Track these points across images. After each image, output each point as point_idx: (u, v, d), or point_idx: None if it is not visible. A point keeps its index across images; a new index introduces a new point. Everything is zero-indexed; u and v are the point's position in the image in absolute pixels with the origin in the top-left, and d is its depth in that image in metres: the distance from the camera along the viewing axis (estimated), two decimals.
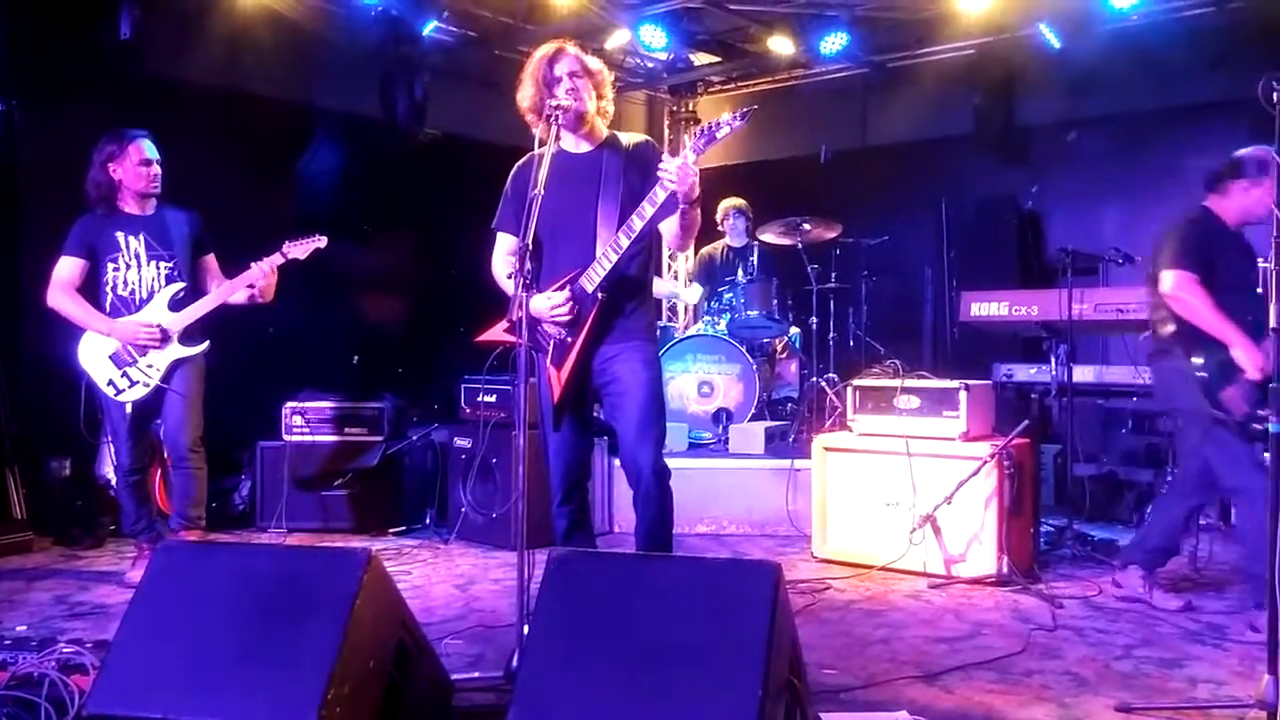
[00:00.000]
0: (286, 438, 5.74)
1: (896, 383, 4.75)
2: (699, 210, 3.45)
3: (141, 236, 4.41)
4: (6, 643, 3.25)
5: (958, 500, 4.38)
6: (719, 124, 3.29)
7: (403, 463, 5.72)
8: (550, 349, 3.48)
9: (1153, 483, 5.52)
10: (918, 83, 7.56)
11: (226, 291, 4.45)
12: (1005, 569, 4.32)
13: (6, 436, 5.54)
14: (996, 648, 3.55)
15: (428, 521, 5.66)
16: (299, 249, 4.50)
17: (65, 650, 3.05)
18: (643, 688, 2.20)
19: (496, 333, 3.54)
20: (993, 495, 4.36)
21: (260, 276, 4.43)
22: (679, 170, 3.21)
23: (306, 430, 5.75)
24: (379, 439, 5.70)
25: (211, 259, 4.62)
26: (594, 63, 3.59)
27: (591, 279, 3.41)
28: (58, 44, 5.57)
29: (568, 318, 3.41)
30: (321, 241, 4.53)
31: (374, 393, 5.87)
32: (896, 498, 4.64)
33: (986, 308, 5.46)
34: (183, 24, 5.98)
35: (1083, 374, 5.71)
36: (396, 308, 7.45)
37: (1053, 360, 5.36)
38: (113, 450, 4.50)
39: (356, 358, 7.05)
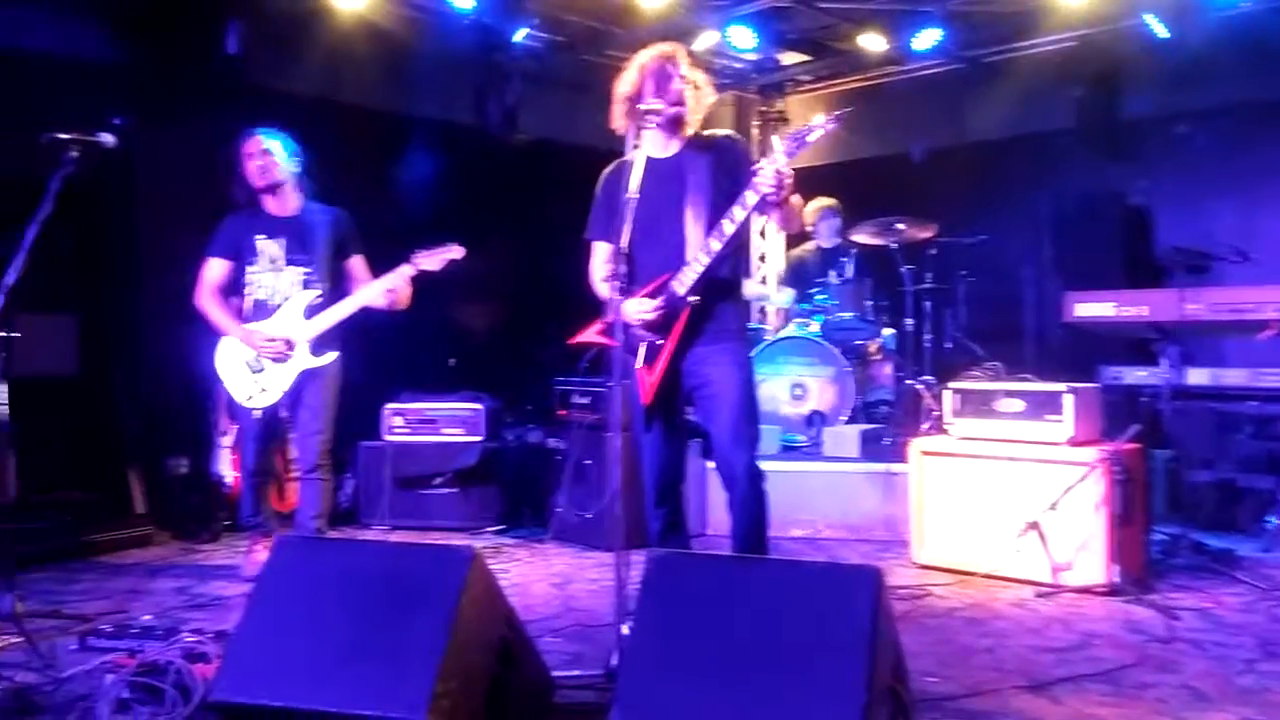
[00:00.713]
0: (387, 438, 5.88)
1: (998, 385, 4.65)
2: (794, 201, 3.44)
3: (281, 240, 4.35)
4: (134, 631, 3.42)
5: (1064, 507, 4.26)
6: (810, 127, 3.28)
7: (500, 463, 5.80)
8: (642, 352, 3.49)
9: (1274, 490, 5.28)
10: (1015, 77, 7.37)
11: (361, 298, 4.34)
12: (1116, 578, 4.19)
13: (128, 435, 5.80)
14: (1108, 659, 3.44)
15: (524, 521, 5.72)
16: (431, 260, 4.30)
17: (188, 639, 3.17)
18: (744, 690, 2.19)
19: (590, 334, 3.58)
20: (1101, 502, 4.23)
21: (395, 285, 4.30)
22: (774, 177, 3.20)
23: (406, 430, 5.88)
24: (477, 439, 5.79)
25: (358, 261, 4.49)
26: (687, 68, 3.60)
27: (683, 283, 3.42)
28: (170, 62, 5.77)
29: (657, 321, 3.42)
30: (457, 251, 4.33)
31: (472, 394, 5.97)
32: (998, 503, 4.53)
33: (1092, 308, 5.29)
34: (285, 38, 6.16)
35: (1196, 376, 5.50)
36: (491, 310, 7.56)
37: (1163, 362, 5.17)
38: (242, 454, 4.58)
39: (453, 360, 7.17)
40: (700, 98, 3.59)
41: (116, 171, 5.97)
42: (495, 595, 2.58)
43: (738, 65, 8.54)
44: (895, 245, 6.44)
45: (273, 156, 4.34)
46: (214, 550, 5.22)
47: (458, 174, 7.08)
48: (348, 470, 6.00)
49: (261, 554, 4.35)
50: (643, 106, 3.40)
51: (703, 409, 3.53)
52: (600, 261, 3.69)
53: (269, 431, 4.48)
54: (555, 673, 3.06)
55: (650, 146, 3.58)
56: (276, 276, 4.34)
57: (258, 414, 4.38)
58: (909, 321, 6.45)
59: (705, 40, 7.58)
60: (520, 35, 6.84)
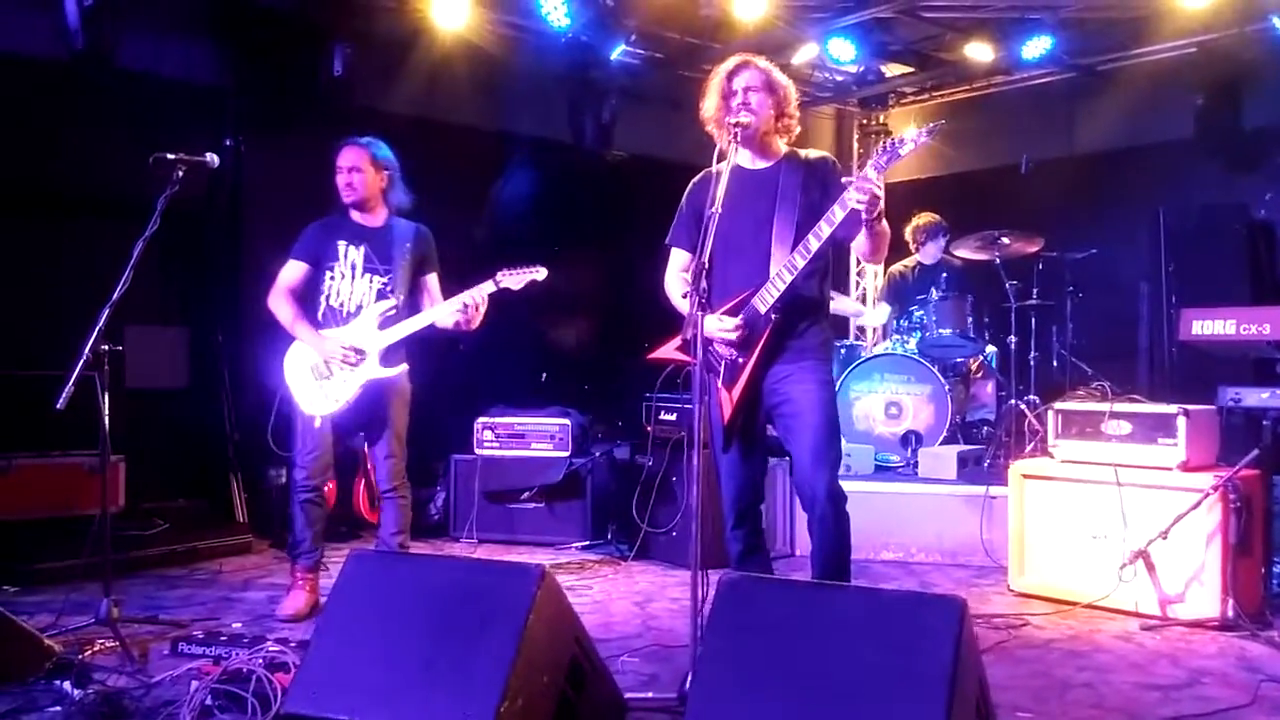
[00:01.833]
0: (478, 451, 5.93)
1: (1105, 406, 4.44)
2: (885, 224, 3.34)
3: (362, 249, 4.28)
4: (222, 639, 3.49)
5: (1175, 535, 4.03)
6: (903, 140, 3.18)
7: (587, 479, 5.79)
8: (722, 369, 3.42)
9: None
10: (1130, 85, 7.09)
11: (434, 314, 4.25)
12: (1230, 612, 3.94)
13: (230, 444, 5.99)
14: (1219, 699, 3.23)
15: (610, 537, 5.70)
16: (514, 279, 4.20)
17: (271, 649, 3.22)
18: None
19: (669, 350, 3.53)
20: (1216, 531, 3.99)
21: (472, 303, 4.16)
22: (863, 189, 3.10)
23: (496, 445, 5.92)
24: (564, 455, 5.79)
25: (433, 278, 4.43)
26: (779, 77, 3.53)
27: (765, 300, 3.34)
28: (278, 84, 5.98)
29: (737, 340, 3.35)
30: (540, 273, 4.22)
31: (560, 410, 5.99)
32: (1104, 530, 4.32)
33: (1210, 326, 4.98)
34: (388, 59, 6.32)
35: None
36: (584, 326, 7.59)
37: None
38: (292, 465, 4.37)
39: (545, 375, 7.21)
40: (787, 109, 3.51)
41: (226, 191, 6.23)
42: (566, 614, 2.55)
43: (838, 78, 8.42)
44: (999, 260, 6.23)
45: (360, 174, 4.28)
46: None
47: (553, 190, 7.15)
48: (439, 482, 6.08)
49: (303, 594, 4.21)
50: (730, 120, 3.34)
51: (783, 428, 3.44)
52: (676, 269, 3.64)
53: (327, 443, 4.28)
54: (629, 694, 3.01)
55: (741, 158, 3.52)
56: (353, 284, 4.28)
57: (318, 423, 4.22)
58: (1013, 339, 6.22)
59: (804, 54, 7.50)
60: (617, 52, 6.86)
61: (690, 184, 3.65)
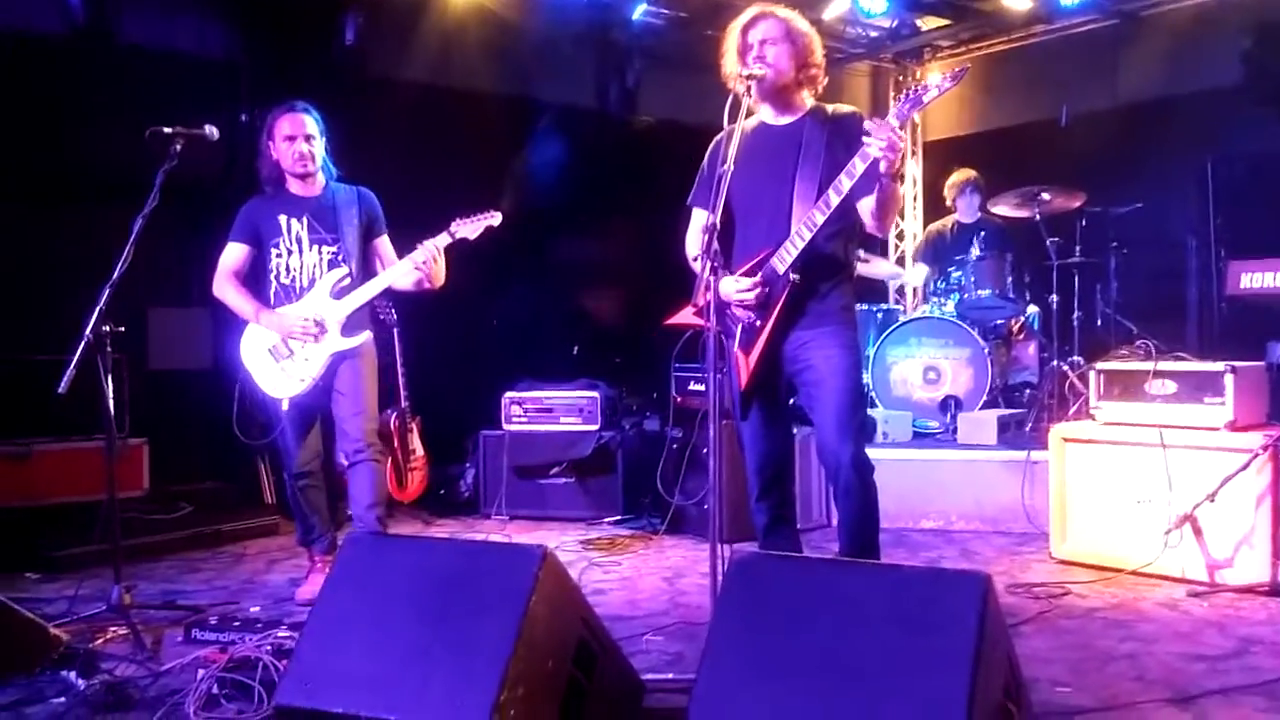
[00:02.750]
0: (506, 427, 5.84)
1: (1148, 365, 4.23)
2: (899, 185, 3.17)
3: (305, 219, 4.05)
4: (236, 624, 3.43)
5: (1222, 498, 3.84)
6: (926, 86, 3.02)
7: (618, 452, 5.68)
8: (738, 333, 3.28)
9: None
10: (1175, 30, 6.79)
11: (390, 275, 4.04)
12: None
13: (255, 426, 5.93)
14: (1268, 669, 3.05)
15: (641, 511, 5.59)
16: (469, 227, 3.98)
17: (281, 635, 3.17)
18: (831, 704, 1.99)
19: (685, 316, 3.39)
20: (1266, 492, 3.79)
21: (426, 258, 3.94)
22: (884, 135, 2.93)
23: (525, 420, 5.83)
24: (593, 429, 5.68)
25: (384, 242, 4.22)
26: (799, 25, 3.35)
27: (784, 259, 3.19)
28: (290, 56, 5.86)
29: (754, 301, 3.21)
30: (495, 218, 4.00)
31: (588, 382, 5.87)
32: (1148, 494, 4.14)
33: (1260, 279, 4.78)
34: (401, 27, 6.19)
35: None
36: (614, 296, 7.46)
37: None
38: (282, 454, 4.21)
39: (576, 347, 7.10)
40: (811, 60, 3.33)
41: (243, 163, 6.15)
42: (571, 596, 2.44)
43: (872, 34, 8.16)
44: (1039, 216, 5.99)
45: (314, 141, 4.05)
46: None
47: (578, 158, 6.99)
48: (469, 459, 6.01)
49: (321, 577, 3.89)
50: (744, 72, 3.19)
51: (805, 396, 3.30)
52: (696, 229, 3.51)
53: (305, 426, 4.11)
54: (651, 675, 2.91)
55: (764, 114, 3.37)
56: (301, 258, 4.05)
57: (285, 405, 4.03)
58: (1055, 298, 5.99)
59: (836, 8, 7.25)
60: (639, 12, 6.68)
61: (713, 142, 3.50)
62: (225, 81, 5.93)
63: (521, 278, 6.60)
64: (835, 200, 3.14)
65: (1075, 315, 6.09)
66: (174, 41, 5.75)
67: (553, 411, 5.80)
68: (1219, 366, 4.02)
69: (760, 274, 3.24)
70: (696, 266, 3.42)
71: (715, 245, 2.85)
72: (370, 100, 5.97)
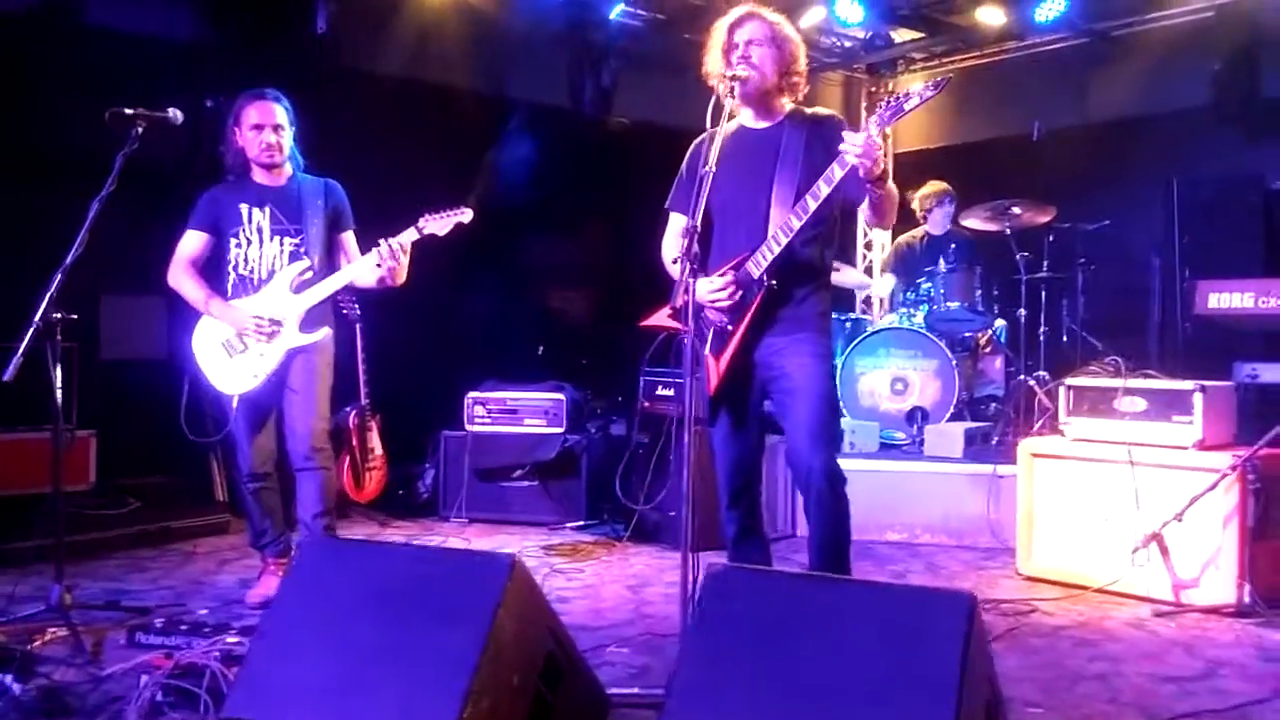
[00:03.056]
0: (469, 427, 5.73)
1: (1118, 383, 4.22)
2: (890, 187, 3.13)
3: (267, 209, 3.90)
4: (183, 628, 3.31)
5: (1190, 518, 3.83)
6: (908, 94, 2.98)
7: (582, 456, 5.59)
8: (710, 336, 3.22)
9: None
10: (1144, 51, 6.84)
11: (352, 271, 3.90)
12: (1247, 598, 3.75)
13: (209, 418, 5.77)
14: (1237, 692, 3.04)
15: (605, 517, 5.51)
16: (438, 223, 3.82)
17: (230, 640, 3.05)
18: None
19: (660, 318, 3.33)
20: (1233, 513, 3.79)
21: (389, 255, 3.78)
22: (863, 145, 2.89)
23: (488, 420, 5.72)
24: (558, 431, 5.59)
25: (349, 237, 4.07)
26: (787, 31, 3.31)
27: (759, 263, 3.14)
28: (259, 42, 5.70)
29: (728, 303, 3.15)
30: (465, 215, 3.83)
31: (554, 384, 5.78)
32: (1116, 512, 4.12)
33: (1227, 299, 4.79)
34: (375, 17, 6.06)
35: None
36: (583, 297, 7.38)
37: None
38: (233, 454, 4.04)
39: (542, 348, 7.00)
40: (794, 67, 3.29)
41: (206, 150, 5.98)
42: (539, 607, 2.36)
43: (846, 44, 8.16)
44: (1009, 231, 6.00)
45: (284, 130, 3.91)
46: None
47: (551, 158, 6.88)
48: (428, 459, 5.89)
49: (274, 579, 3.90)
50: (727, 73, 3.13)
51: (778, 403, 3.24)
52: (673, 233, 3.45)
53: (257, 424, 3.94)
54: (616, 690, 2.83)
55: (744, 118, 3.32)
56: (261, 249, 3.89)
57: (235, 402, 3.88)
58: (1022, 312, 6.00)
59: (812, 16, 7.23)
60: (616, 12, 6.61)
61: (692, 144, 3.44)
62: (191, 65, 5.74)
63: (489, 276, 6.49)
64: (813, 205, 3.09)
65: (1041, 330, 6.10)
66: (139, 23, 5.57)
67: (517, 413, 5.70)
68: (1189, 385, 4.02)
69: (733, 275, 3.19)
70: (675, 270, 3.36)
71: (695, 248, 2.77)
72: (341, 91, 5.83)
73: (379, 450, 5.61)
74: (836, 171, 3.01)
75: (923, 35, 7.90)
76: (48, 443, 4.83)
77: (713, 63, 3.31)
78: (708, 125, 3.09)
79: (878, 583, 2.76)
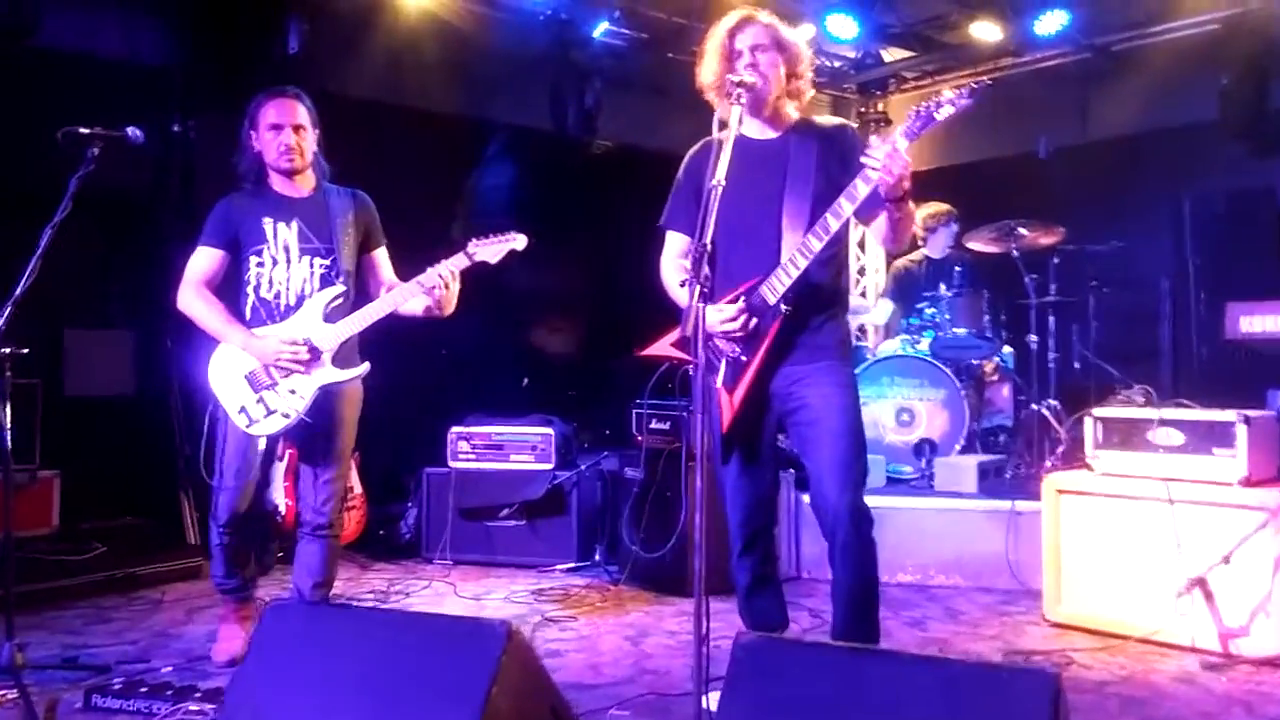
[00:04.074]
0: (452, 464, 5.42)
1: (1152, 413, 3.95)
2: (910, 205, 2.87)
3: (294, 224, 3.50)
4: (143, 690, 3.01)
5: (1237, 560, 3.55)
6: (939, 102, 2.72)
7: (572, 494, 5.28)
8: (722, 369, 2.93)
9: None
10: (1149, 66, 6.63)
11: (398, 298, 3.47)
12: None
13: (181, 457, 5.44)
14: None
15: (597, 558, 5.19)
16: (488, 249, 3.46)
17: (193, 709, 2.75)
18: None
19: (662, 347, 3.04)
20: None
21: (440, 283, 3.42)
22: (888, 158, 2.63)
23: (472, 457, 5.41)
24: (546, 468, 5.28)
25: (381, 255, 3.69)
26: (788, 34, 3.07)
27: (774, 289, 2.86)
28: (228, 63, 5.43)
29: (741, 334, 2.86)
30: (519, 241, 3.49)
31: (542, 418, 5.47)
32: (1154, 553, 3.83)
33: (1261, 322, 4.55)
34: (348, 37, 5.79)
35: None
36: (568, 327, 7.11)
37: None
38: (214, 494, 3.56)
39: (526, 380, 6.71)
40: (798, 70, 3.04)
41: (176, 178, 5.69)
42: (539, 682, 2.05)
43: (835, 64, 7.94)
44: (1016, 252, 5.74)
45: (305, 132, 3.51)
46: (262, 585, 4.76)
47: (532, 182, 6.65)
48: (410, 498, 5.58)
49: (239, 631, 3.61)
50: (736, 78, 2.86)
51: (798, 438, 2.96)
52: (672, 254, 3.18)
53: (265, 468, 3.59)
54: None
55: (747, 129, 3.04)
56: (289, 270, 3.48)
57: (262, 445, 3.49)
58: (1033, 338, 5.74)
59: (800, 34, 6.99)
60: (599, 31, 6.36)
61: (688, 155, 3.18)
62: (158, 88, 5.48)
63: (471, 306, 6.19)
64: (834, 225, 2.82)
65: (1051, 356, 5.84)
66: (101, 44, 5.28)
67: (503, 449, 5.39)
68: (1230, 416, 3.73)
69: (745, 302, 2.90)
70: (677, 294, 3.09)
71: (706, 270, 2.48)
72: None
73: (358, 489, 5.26)
74: (861, 188, 2.75)
75: (915, 54, 7.69)
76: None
77: (709, 72, 3.06)
78: (714, 133, 2.82)
79: (942, 659, 2.43)
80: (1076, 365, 6.06)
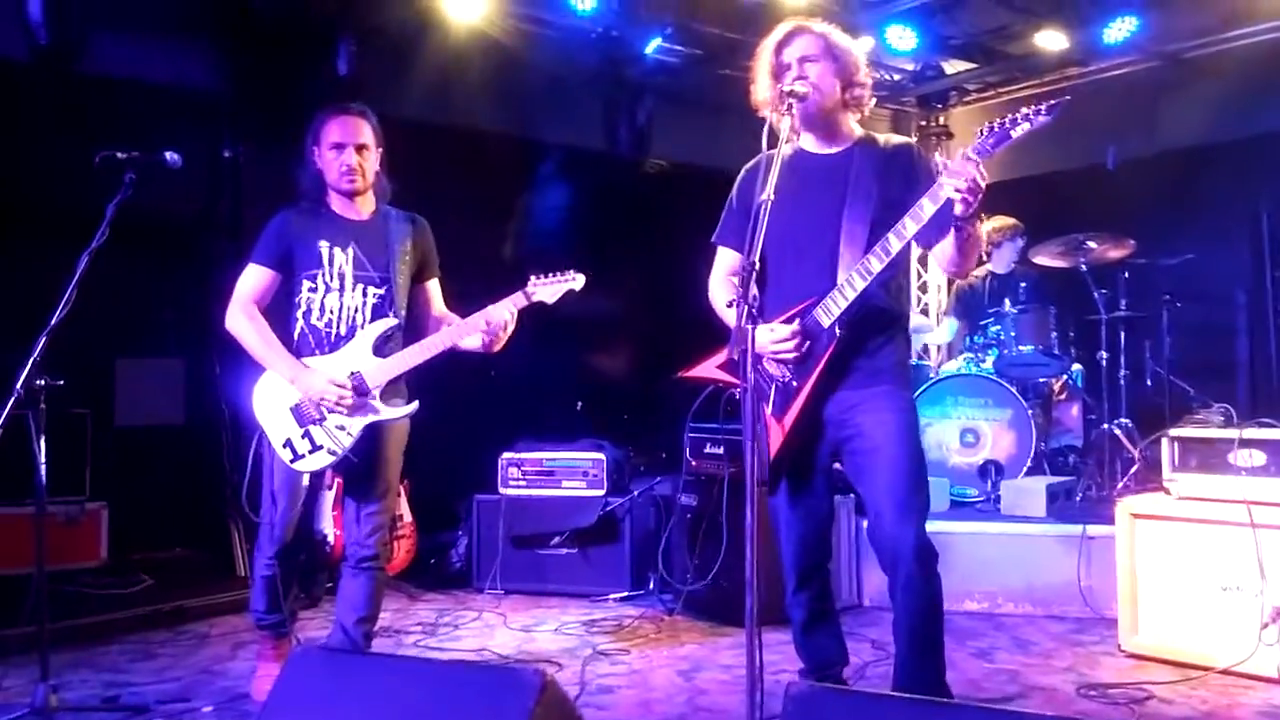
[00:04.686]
0: (503, 491, 5.32)
1: (1233, 433, 3.72)
2: (978, 227, 2.72)
3: (350, 250, 3.37)
4: None
5: None
6: (1015, 119, 2.58)
7: (625, 520, 5.15)
8: (771, 394, 2.79)
9: None
10: (1222, 73, 6.36)
11: (454, 334, 3.37)
12: None
13: (228, 487, 5.42)
14: None
15: (651, 587, 5.05)
16: (547, 289, 3.36)
17: None
18: None
19: (707, 369, 2.93)
20: None
21: (498, 322, 3.33)
22: (964, 173, 2.49)
23: (523, 483, 5.31)
24: (599, 494, 5.16)
25: (434, 286, 3.58)
26: (840, 40, 2.93)
27: (830, 311, 2.72)
28: (278, 87, 5.43)
29: (792, 355, 2.72)
30: (577, 281, 3.38)
31: (593, 442, 5.36)
32: (1236, 580, 3.61)
33: None
34: (398, 57, 5.77)
35: None
36: (623, 350, 6.99)
37: None
38: (260, 525, 3.48)
39: (580, 403, 6.61)
40: (856, 78, 2.91)
41: (226, 206, 5.70)
42: None
43: (894, 77, 7.78)
44: (1085, 266, 5.51)
45: (369, 152, 3.40)
46: (311, 618, 4.68)
47: (585, 203, 6.57)
48: (461, 526, 5.50)
49: (274, 671, 3.37)
50: (785, 88, 2.74)
51: (854, 467, 2.81)
52: (722, 272, 3.07)
53: (308, 503, 3.50)
54: None
55: (805, 142, 2.92)
56: (342, 298, 3.35)
57: (306, 480, 3.38)
58: (1102, 355, 5.50)
59: (859, 47, 6.86)
60: (651, 47, 6.27)
61: (742, 171, 3.06)
62: (207, 114, 5.50)
63: (522, 330, 6.12)
64: (896, 246, 2.68)
65: (1122, 373, 5.59)
66: (150, 70, 5.30)
67: (554, 474, 5.28)
68: None
69: (799, 323, 2.77)
70: (724, 313, 2.96)
71: (754, 288, 2.36)
72: None
73: (408, 518, 5.21)
74: (927, 207, 2.61)
75: (977, 65, 7.49)
76: (50, 519, 4.54)
77: (762, 89, 2.94)
78: (764, 148, 2.70)
79: (1009, 712, 2.25)
80: (1149, 382, 5.80)
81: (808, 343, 2.75)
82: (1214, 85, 6.39)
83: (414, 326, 3.53)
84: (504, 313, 3.33)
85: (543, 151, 6.50)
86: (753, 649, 2.17)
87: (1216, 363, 6.50)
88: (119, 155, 3.25)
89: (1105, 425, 5.33)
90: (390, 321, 3.41)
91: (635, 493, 5.22)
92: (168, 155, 3.32)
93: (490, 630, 4.52)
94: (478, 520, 5.31)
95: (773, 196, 2.46)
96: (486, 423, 5.77)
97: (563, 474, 5.24)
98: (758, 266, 2.37)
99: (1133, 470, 5.18)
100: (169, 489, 5.42)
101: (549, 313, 6.50)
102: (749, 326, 2.33)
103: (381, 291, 3.40)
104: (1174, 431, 3.93)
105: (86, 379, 5.06)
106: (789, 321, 2.78)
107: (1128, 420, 5.47)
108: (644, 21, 6.08)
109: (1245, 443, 3.69)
